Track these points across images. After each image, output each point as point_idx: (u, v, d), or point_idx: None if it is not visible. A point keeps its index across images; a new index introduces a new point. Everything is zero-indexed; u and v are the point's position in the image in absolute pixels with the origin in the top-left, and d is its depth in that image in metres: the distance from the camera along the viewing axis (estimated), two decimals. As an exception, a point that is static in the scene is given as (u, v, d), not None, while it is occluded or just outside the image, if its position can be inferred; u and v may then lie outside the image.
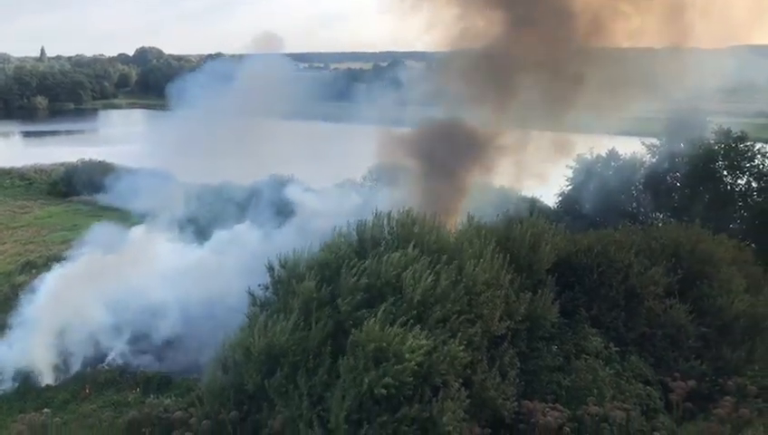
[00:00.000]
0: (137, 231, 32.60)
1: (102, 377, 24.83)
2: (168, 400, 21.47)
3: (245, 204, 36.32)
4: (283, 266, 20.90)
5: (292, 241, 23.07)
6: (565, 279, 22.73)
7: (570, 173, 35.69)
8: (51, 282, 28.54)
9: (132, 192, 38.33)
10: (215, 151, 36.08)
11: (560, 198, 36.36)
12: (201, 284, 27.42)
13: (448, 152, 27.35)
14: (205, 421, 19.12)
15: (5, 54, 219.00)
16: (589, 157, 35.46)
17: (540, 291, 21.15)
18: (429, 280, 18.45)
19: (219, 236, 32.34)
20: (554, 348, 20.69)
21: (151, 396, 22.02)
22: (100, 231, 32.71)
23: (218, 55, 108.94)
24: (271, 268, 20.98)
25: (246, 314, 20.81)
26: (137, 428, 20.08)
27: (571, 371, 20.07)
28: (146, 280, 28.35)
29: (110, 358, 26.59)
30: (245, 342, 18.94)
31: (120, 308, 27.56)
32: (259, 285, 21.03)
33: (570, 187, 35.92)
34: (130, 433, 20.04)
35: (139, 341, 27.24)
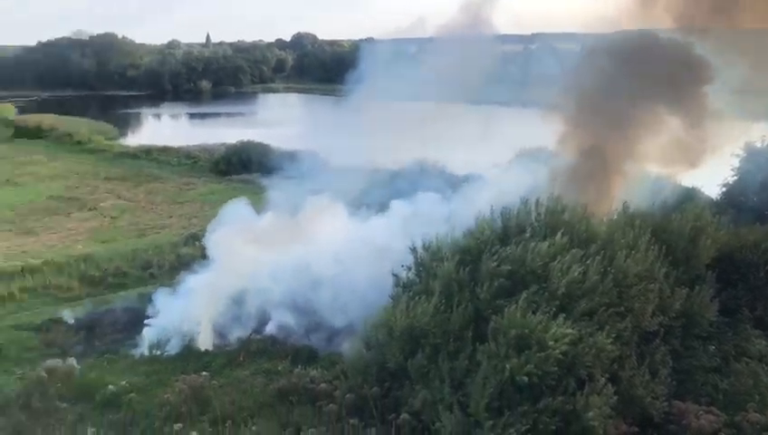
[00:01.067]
0: (308, 205, 32.27)
1: (255, 346, 26.35)
2: (315, 371, 22.40)
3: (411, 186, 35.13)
4: (426, 249, 21.12)
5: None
6: (727, 276, 21.26)
7: (736, 162, 33.02)
8: (218, 250, 29.97)
9: (294, 173, 39.16)
10: (378, 134, 36.04)
11: (723, 189, 33.76)
12: (367, 262, 26.67)
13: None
14: (348, 395, 19.85)
15: (176, 41, 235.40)
16: (759, 145, 32.62)
17: (698, 287, 19.92)
18: (577, 273, 17.88)
19: (393, 211, 31.19)
20: (711, 348, 19.50)
21: (299, 367, 23.05)
22: (277, 201, 33.56)
23: (370, 39, 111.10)
24: (414, 250, 21.27)
25: (390, 294, 21.32)
26: (285, 395, 21.24)
27: (729, 373, 18.83)
28: (312, 253, 28.71)
29: (267, 328, 27.94)
30: (388, 321, 19.37)
31: (283, 279, 28.44)
32: (402, 267, 21.41)
33: (735, 177, 33.25)
34: (279, 400, 21.23)
35: (296, 313, 28.07)
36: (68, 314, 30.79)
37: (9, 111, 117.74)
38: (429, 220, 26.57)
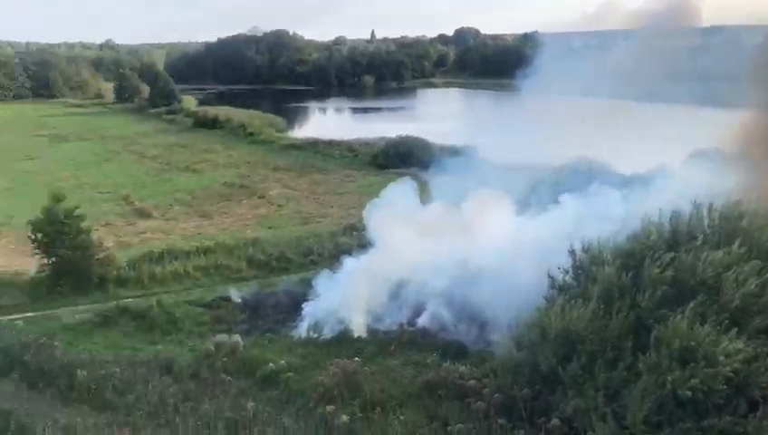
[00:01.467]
0: (473, 198, 31.53)
1: (406, 337, 26.73)
2: (464, 367, 22.34)
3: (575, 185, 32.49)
4: (585, 251, 20.34)
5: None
6: None
7: None
8: (379, 234, 30.52)
9: (452, 169, 38.88)
10: (541, 131, 34.92)
11: None
12: (531, 260, 24.98)
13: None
14: (497, 394, 19.62)
15: (342, 38, 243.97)
16: None
17: None
18: (754, 286, 16.44)
19: (562, 207, 29.45)
20: None
21: (448, 361, 23.10)
22: (440, 193, 33.35)
23: (533, 33, 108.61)
24: (572, 252, 20.55)
25: (544, 295, 20.78)
26: (433, 389, 21.38)
27: None
28: (475, 247, 28.27)
29: (420, 320, 28.15)
30: (542, 322, 18.89)
31: (442, 271, 28.34)
32: (559, 268, 20.78)
33: None
34: (427, 392, 21.40)
35: (451, 307, 27.86)
36: (235, 294, 32.98)
37: (191, 102, 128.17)
38: (602, 219, 24.80)
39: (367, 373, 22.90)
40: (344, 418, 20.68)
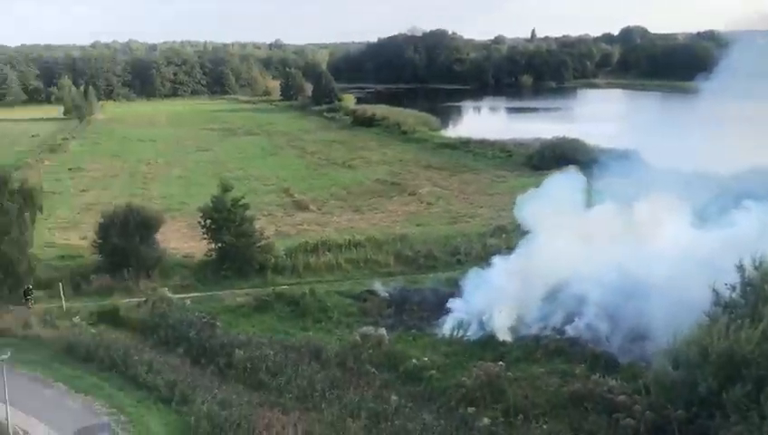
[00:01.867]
0: (645, 203, 29.49)
1: (553, 345, 25.87)
2: (614, 381, 21.35)
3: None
4: (756, 268, 18.73)
5: None
6: None
7: None
8: (535, 229, 29.50)
9: (618, 171, 35.67)
10: (713, 136, 32.27)
11: None
12: (699, 274, 22.29)
13: None
14: (648, 412, 18.61)
15: (501, 37, 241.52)
16: None
17: None
18: None
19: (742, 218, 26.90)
20: None
21: (597, 374, 22.17)
22: (606, 197, 31.41)
23: (710, 33, 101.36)
24: (740, 267, 18.98)
25: (706, 311, 19.38)
26: (579, 400, 20.64)
27: None
28: (642, 256, 26.23)
29: (569, 328, 26.93)
30: (703, 341, 17.63)
31: (603, 280, 26.79)
32: (726, 285, 19.28)
33: None
34: (573, 404, 20.69)
35: (606, 317, 26.31)
36: (382, 288, 33.65)
37: (350, 101, 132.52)
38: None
39: (510, 378, 22.54)
40: (485, 421, 20.52)
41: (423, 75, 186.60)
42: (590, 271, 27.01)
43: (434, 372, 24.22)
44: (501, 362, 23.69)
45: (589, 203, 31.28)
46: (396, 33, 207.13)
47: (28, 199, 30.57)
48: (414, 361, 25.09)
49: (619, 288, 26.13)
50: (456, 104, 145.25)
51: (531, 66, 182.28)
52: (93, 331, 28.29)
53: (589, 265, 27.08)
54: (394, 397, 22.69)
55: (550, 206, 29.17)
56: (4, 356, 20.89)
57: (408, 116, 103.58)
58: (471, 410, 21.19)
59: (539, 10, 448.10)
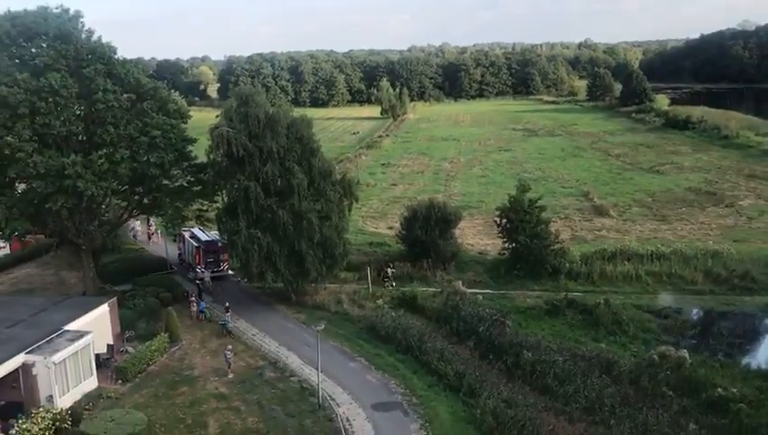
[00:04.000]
0: None
1: None
2: None
3: None
4: None
5: None
6: None
7: None
8: None
9: None
10: None
11: None
12: None
13: None
14: None
15: None
16: None
17: None
18: None
19: None
20: None
21: None
22: None
23: None
24: None
25: None
26: None
27: None
28: None
29: None
30: None
31: None
32: None
33: None
34: None
35: None
36: (688, 307, 30.88)
37: (663, 102, 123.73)
38: None
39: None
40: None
41: (752, 74, 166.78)
42: None
43: (743, 405, 21.61)
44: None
45: None
46: (722, 28, 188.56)
47: (347, 190, 33.88)
48: (720, 390, 22.67)
49: None
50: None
51: None
52: (393, 314, 30.48)
53: None
54: (693, 426, 20.76)
55: None
56: (320, 327, 23.55)
57: (730, 118, 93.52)
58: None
59: None
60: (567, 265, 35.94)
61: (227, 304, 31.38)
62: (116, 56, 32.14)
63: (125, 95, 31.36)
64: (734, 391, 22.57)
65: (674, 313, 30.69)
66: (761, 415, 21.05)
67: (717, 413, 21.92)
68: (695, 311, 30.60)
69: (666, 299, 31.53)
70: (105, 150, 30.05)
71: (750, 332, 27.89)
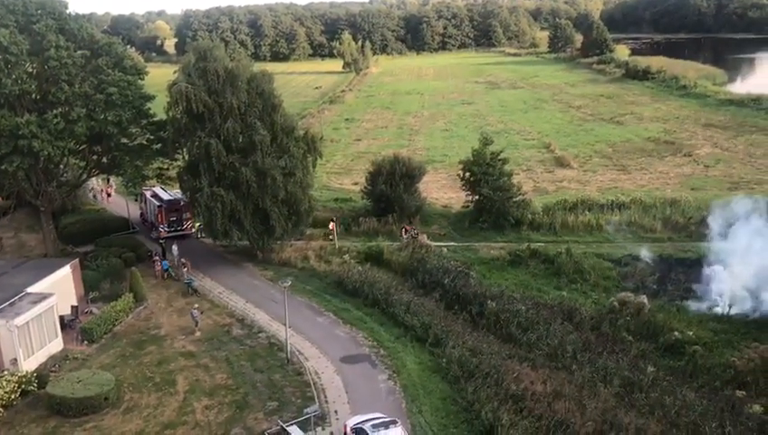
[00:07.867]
0: None
1: None
2: None
3: None
4: None
5: None
6: None
7: None
8: None
9: None
10: None
11: None
12: None
13: None
14: None
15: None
16: None
17: None
18: None
19: None
20: None
21: None
22: None
23: None
24: None
25: None
26: None
27: None
28: None
29: None
30: None
31: None
32: None
33: None
34: None
35: None
36: (646, 254, 31.64)
37: (623, 52, 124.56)
38: None
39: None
40: (757, 408, 18.63)
41: (710, 24, 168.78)
42: None
43: (698, 347, 22.51)
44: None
45: None
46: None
47: (311, 146, 33.59)
48: (676, 333, 23.51)
49: None
50: (749, 56, 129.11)
51: None
52: (360, 268, 30.69)
53: None
54: (651, 368, 21.52)
55: None
56: (287, 284, 23.62)
57: (688, 69, 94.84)
58: (740, 393, 19.36)
59: None
60: (529, 216, 36.49)
61: (183, 260, 31.43)
62: (67, 11, 31.08)
63: (79, 52, 30.46)
64: (691, 333, 23.42)
65: (633, 260, 31.44)
66: (714, 356, 21.92)
67: (674, 355, 22.78)
68: (653, 258, 31.34)
69: (643, 251, 32.07)
70: (60, 109, 29.31)
71: (705, 276, 28.67)
